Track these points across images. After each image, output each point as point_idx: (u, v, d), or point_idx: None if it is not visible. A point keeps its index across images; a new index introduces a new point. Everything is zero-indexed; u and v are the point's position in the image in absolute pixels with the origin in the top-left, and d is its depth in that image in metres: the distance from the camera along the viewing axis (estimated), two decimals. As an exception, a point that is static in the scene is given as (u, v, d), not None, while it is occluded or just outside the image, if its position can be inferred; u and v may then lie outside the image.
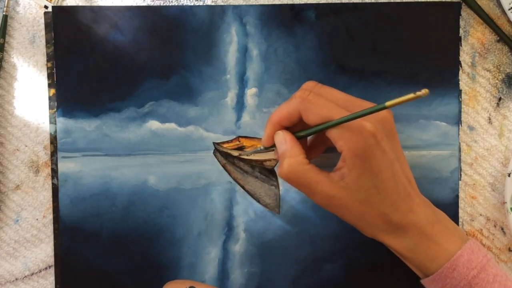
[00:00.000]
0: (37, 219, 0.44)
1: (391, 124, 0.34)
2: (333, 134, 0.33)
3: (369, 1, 0.44)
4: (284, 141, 0.35)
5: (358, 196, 0.33)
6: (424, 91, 0.28)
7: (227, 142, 0.44)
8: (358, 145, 0.32)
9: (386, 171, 0.32)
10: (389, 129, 0.33)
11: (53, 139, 0.43)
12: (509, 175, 0.43)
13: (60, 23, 0.43)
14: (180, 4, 0.44)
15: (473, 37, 0.44)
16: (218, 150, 0.43)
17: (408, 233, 0.34)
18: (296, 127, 0.36)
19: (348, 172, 0.32)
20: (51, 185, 0.44)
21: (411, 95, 0.28)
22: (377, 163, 0.32)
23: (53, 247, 0.44)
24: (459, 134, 0.44)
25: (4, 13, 0.43)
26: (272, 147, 0.37)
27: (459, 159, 0.44)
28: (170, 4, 0.44)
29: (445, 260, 0.33)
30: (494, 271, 0.33)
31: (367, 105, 0.34)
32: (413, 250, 0.34)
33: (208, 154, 0.44)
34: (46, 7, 0.43)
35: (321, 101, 0.33)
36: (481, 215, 0.45)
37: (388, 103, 0.29)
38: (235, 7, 0.43)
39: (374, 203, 0.33)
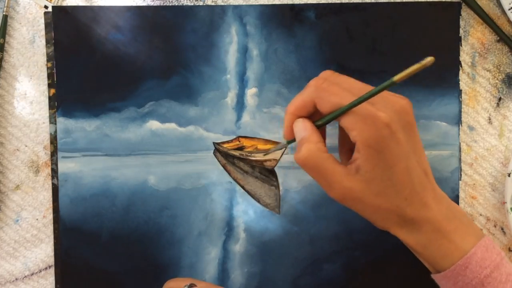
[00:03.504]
0: (37, 219, 0.44)
1: (409, 115, 0.33)
2: (347, 124, 0.32)
3: (369, 1, 0.44)
4: (304, 128, 0.34)
5: (373, 189, 0.32)
6: (430, 58, 0.27)
7: (227, 142, 0.44)
8: (372, 135, 0.31)
9: (401, 163, 0.32)
10: (406, 120, 0.32)
11: (53, 139, 0.43)
12: (509, 175, 0.43)
13: (60, 23, 0.43)
14: (180, 4, 0.44)
15: (473, 37, 0.44)
16: (218, 150, 0.44)
17: (421, 229, 0.33)
18: (315, 117, 0.35)
19: (363, 164, 0.32)
20: (51, 185, 0.44)
21: (417, 65, 0.28)
22: (391, 155, 0.31)
23: (53, 247, 0.44)
24: (459, 134, 0.44)
25: (4, 13, 0.43)
26: (293, 140, 0.36)
27: (459, 159, 0.44)
28: (170, 4, 0.44)
29: (458, 257, 0.32)
30: (507, 270, 0.32)
31: (384, 94, 0.33)
32: (426, 246, 0.33)
33: (208, 154, 0.44)
34: (46, 7, 0.43)
35: (335, 89, 0.33)
36: (481, 215, 0.45)
37: (396, 78, 0.29)
38: (235, 7, 0.43)
39: (389, 195, 0.32)
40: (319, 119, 0.34)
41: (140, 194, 0.43)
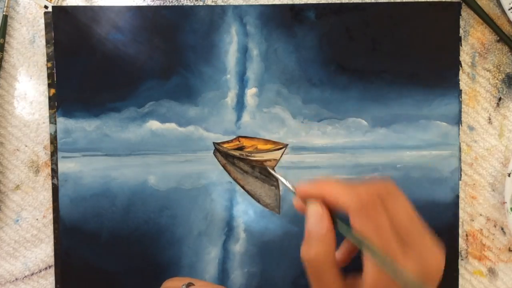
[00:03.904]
0: (37, 219, 0.44)
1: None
2: (369, 269, 0.28)
3: (369, 1, 0.44)
4: (321, 219, 0.30)
5: None
6: None
7: (227, 142, 0.44)
8: None
9: None
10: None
11: (53, 139, 0.43)
12: (509, 175, 0.43)
13: (60, 23, 0.43)
14: (180, 4, 0.44)
15: (473, 37, 0.44)
16: (218, 150, 0.44)
17: None
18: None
19: None
20: (51, 185, 0.44)
21: None
22: None
23: (53, 247, 0.44)
24: (459, 134, 0.44)
25: (4, 13, 0.43)
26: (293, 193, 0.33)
27: (459, 159, 0.44)
28: (170, 4, 0.44)
29: None
30: None
31: (427, 242, 0.29)
32: None
33: (208, 154, 0.44)
34: (46, 7, 0.43)
35: (378, 217, 0.28)
36: (481, 215, 0.45)
37: None
38: (235, 7, 0.43)
39: None
40: (341, 222, 0.30)
41: (140, 194, 0.43)
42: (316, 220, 0.30)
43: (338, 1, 0.44)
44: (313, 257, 0.29)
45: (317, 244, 0.29)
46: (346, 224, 0.29)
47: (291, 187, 0.35)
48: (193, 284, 0.35)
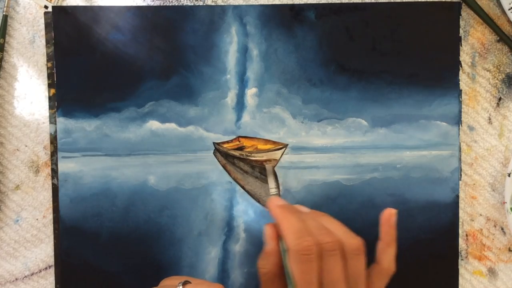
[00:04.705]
0: (37, 219, 0.44)
1: None
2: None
3: (369, 1, 0.44)
4: (268, 240, 0.35)
5: None
6: None
7: (227, 142, 0.44)
8: None
9: None
10: None
11: (53, 139, 0.43)
12: (509, 175, 0.43)
13: (60, 23, 0.43)
14: (180, 4, 0.44)
15: (473, 37, 0.44)
16: (218, 150, 0.44)
17: None
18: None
19: None
20: (51, 185, 0.44)
21: None
22: None
23: (53, 247, 0.44)
24: (459, 134, 0.44)
25: (4, 13, 0.43)
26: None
27: (459, 159, 0.44)
28: (170, 4, 0.44)
29: None
30: None
31: None
32: None
33: (208, 154, 0.44)
34: (46, 7, 0.43)
35: (309, 273, 0.32)
36: (481, 215, 0.45)
37: None
38: (235, 7, 0.43)
39: None
40: (284, 248, 0.34)
41: (140, 194, 0.43)
42: (266, 240, 0.35)
43: (338, 1, 0.44)
44: (260, 267, 0.35)
45: (265, 258, 0.35)
46: (285, 250, 0.33)
47: (274, 190, 0.41)
48: (190, 282, 0.35)
